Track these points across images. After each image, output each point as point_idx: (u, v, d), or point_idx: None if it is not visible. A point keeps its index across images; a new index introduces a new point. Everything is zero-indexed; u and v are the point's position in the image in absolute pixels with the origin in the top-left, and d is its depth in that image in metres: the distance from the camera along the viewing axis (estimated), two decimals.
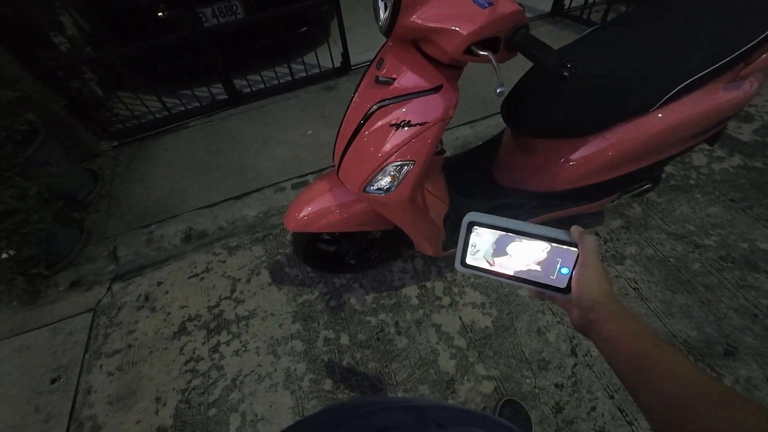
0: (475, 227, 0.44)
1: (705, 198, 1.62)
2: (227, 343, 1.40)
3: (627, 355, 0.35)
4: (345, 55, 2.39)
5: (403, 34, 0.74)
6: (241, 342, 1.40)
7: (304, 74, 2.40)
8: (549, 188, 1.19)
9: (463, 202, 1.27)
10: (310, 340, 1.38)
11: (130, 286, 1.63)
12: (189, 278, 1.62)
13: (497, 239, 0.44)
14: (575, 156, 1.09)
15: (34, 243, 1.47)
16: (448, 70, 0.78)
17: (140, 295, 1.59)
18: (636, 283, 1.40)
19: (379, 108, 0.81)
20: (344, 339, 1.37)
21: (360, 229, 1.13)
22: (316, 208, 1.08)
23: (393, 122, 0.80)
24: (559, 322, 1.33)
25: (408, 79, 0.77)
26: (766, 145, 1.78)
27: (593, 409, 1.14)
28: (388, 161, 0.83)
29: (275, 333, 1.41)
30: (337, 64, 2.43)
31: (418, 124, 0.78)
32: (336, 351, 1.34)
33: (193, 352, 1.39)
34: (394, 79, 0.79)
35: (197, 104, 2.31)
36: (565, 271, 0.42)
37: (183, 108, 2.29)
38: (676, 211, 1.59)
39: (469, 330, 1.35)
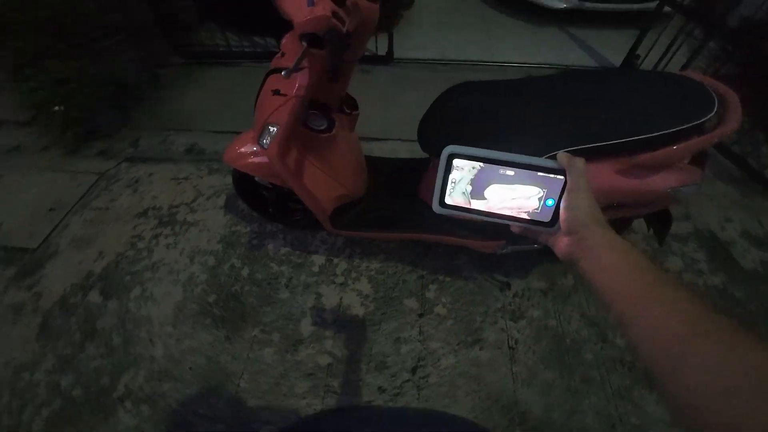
0: (455, 160, 0.41)
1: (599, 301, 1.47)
2: (165, 236, 1.70)
3: (625, 285, 0.33)
4: (390, 46, 2.52)
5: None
6: (175, 240, 1.68)
7: None
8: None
9: (377, 198, 1.37)
10: (220, 261, 1.61)
11: (132, 168, 2.02)
12: (171, 179, 1.96)
13: (477, 172, 0.41)
14: None
15: (80, 109, 1.92)
16: (313, 56, 0.86)
17: (134, 177, 1.97)
18: (516, 342, 1.37)
19: (271, 74, 0.96)
20: (245, 271, 1.57)
21: (268, 180, 1.30)
22: (243, 149, 1.28)
23: (272, 89, 0.94)
24: (420, 341, 1.37)
25: (287, 58, 0.90)
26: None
27: None
28: (266, 120, 0.98)
29: (201, 244, 1.67)
30: (382, 52, 2.57)
31: (284, 94, 0.92)
32: (234, 277, 1.55)
33: (141, 232, 1.71)
34: (284, 54, 0.93)
35: (254, 50, 2.65)
36: (550, 202, 0.40)
37: (242, 49, 2.65)
38: None
39: (340, 309, 1.45)
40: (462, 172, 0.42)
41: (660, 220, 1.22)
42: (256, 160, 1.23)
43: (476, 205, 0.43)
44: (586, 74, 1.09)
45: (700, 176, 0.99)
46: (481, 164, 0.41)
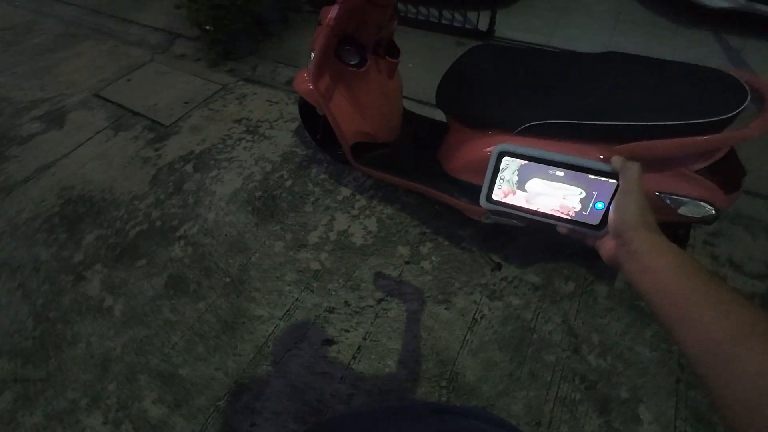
0: (506, 158, 0.41)
1: (652, 341, 1.30)
2: (246, 141, 2.14)
3: (670, 288, 0.32)
4: (492, 23, 2.48)
5: None
6: (252, 145, 2.11)
7: (448, 22, 2.63)
8: (449, 169, 1.30)
9: (401, 148, 1.51)
10: (275, 169, 1.97)
11: (245, 86, 2.53)
12: (267, 101, 2.40)
13: (524, 168, 0.41)
14: (478, 148, 1.14)
15: (224, 32, 2.46)
16: None
17: (243, 93, 2.47)
18: (482, 317, 1.40)
19: (323, 8, 1.16)
20: (288, 183, 1.91)
21: (315, 105, 1.55)
22: (303, 76, 1.54)
23: (318, 20, 1.15)
24: (396, 282, 1.51)
25: None
26: None
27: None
28: (311, 47, 1.20)
29: (267, 153, 2.06)
30: (483, 28, 2.54)
31: (321, 23, 1.11)
32: (278, 184, 1.90)
33: (232, 133, 2.19)
34: None
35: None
36: (600, 205, 0.39)
37: None
38: (604, 320, 1.36)
39: (345, 235, 1.67)
40: (510, 170, 0.42)
41: (676, 235, 1.08)
42: (309, 86, 1.48)
43: (522, 201, 0.43)
44: (613, 56, 0.99)
45: (714, 196, 0.86)
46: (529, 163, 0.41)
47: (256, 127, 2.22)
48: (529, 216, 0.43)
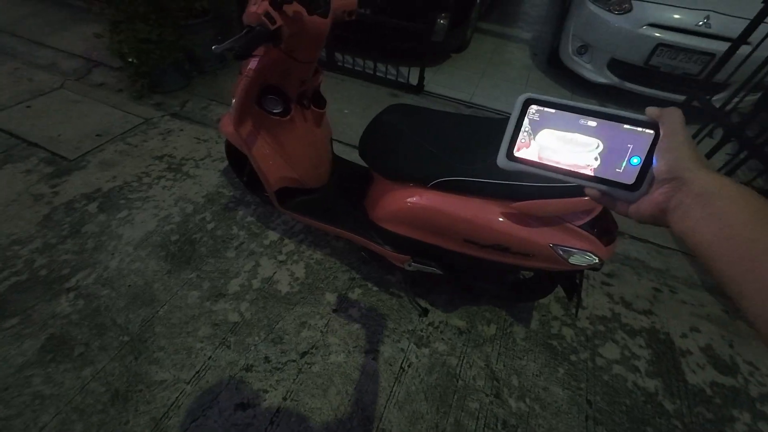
0: (532, 107, 0.37)
1: (564, 378, 1.39)
2: (166, 180, 1.99)
3: (742, 237, 0.27)
4: (420, 79, 2.72)
5: None
6: (172, 184, 1.96)
7: (382, 75, 2.83)
8: (373, 218, 1.32)
9: (327, 193, 1.52)
10: (196, 211, 1.84)
11: (170, 121, 2.39)
12: (194, 138, 2.28)
13: (541, 131, 0.37)
14: (397, 199, 1.18)
15: (150, 66, 2.35)
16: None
17: (168, 128, 2.33)
18: (409, 366, 1.37)
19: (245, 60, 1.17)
20: (210, 225, 1.78)
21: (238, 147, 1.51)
22: (227, 118, 1.51)
23: (240, 69, 1.15)
24: (322, 332, 1.44)
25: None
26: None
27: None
28: (232, 93, 1.19)
29: (189, 194, 1.92)
30: (414, 82, 2.77)
31: (241, 73, 1.12)
32: (199, 227, 1.77)
33: (150, 171, 2.02)
34: None
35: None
36: (635, 161, 0.35)
37: None
38: (522, 361, 1.42)
39: (269, 282, 1.58)
40: (535, 123, 0.38)
41: (572, 286, 1.20)
42: (230, 128, 1.45)
43: (548, 159, 0.38)
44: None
45: (597, 248, 0.98)
46: (558, 111, 0.37)
47: (180, 165, 2.09)
48: (553, 175, 0.37)
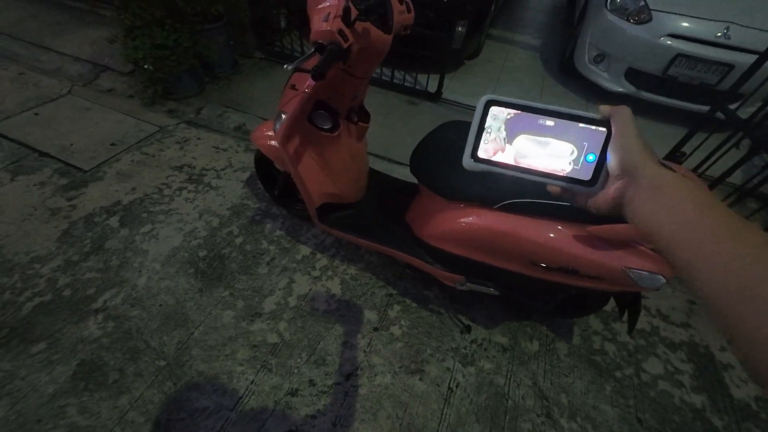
0: (493, 107, 0.39)
1: (611, 396, 1.37)
2: (188, 191, 1.92)
3: (695, 225, 0.28)
4: (440, 86, 2.70)
5: None
6: (195, 196, 1.90)
7: (399, 82, 2.80)
8: (422, 235, 1.28)
9: (368, 209, 1.48)
10: (223, 224, 1.78)
11: (186, 129, 2.32)
12: (213, 147, 2.22)
13: (511, 122, 0.39)
14: (456, 219, 1.15)
15: (165, 72, 2.27)
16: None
17: (185, 137, 2.26)
18: (457, 386, 1.34)
19: (294, 72, 1.12)
20: (239, 240, 1.72)
21: (277, 162, 1.46)
22: (265, 131, 1.46)
23: (292, 83, 1.11)
24: (365, 353, 1.39)
25: (307, 63, 1.06)
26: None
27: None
28: (281, 108, 1.14)
29: (213, 206, 1.86)
30: (432, 89, 2.75)
31: (297, 89, 1.07)
32: (227, 242, 1.71)
33: (171, 182, 1.95)
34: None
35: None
36: (591, 157, 0.37)
37: None
38: (568, 378, 1.40)
39: (306, 299, 1.53)
40: (497, 122, 0.39)
41: (629, 304, 1.18)
42: (271, 142, 1.40)
43: (510, 159, 0.40)
44: None
45: (666, 269, 0.97)
46: (519, 112, 0.38)
47: (201, 175, 2.02)
48: (516, 174, 0.40)
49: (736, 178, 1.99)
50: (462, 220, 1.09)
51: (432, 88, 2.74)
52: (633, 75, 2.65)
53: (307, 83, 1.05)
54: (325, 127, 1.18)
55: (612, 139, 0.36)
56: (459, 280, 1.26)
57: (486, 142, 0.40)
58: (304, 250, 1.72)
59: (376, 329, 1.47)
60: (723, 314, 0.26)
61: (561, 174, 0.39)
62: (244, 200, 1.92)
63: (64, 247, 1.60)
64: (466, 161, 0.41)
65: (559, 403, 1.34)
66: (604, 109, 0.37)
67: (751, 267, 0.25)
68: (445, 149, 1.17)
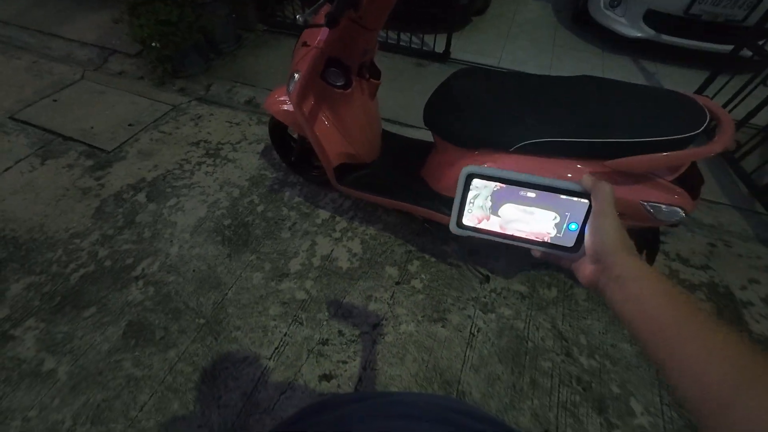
0: (475, 180, 0.40)
1: (627, 335, 1.41)
2: (207, 165, 1.98)
3: (658, 320, 0.30)
4: (447, 45, 2.62)
5: None
6: (213, 169, 1.95)
7: (406, 44, 2.73)
8: (438, 188, 1.31)
9: (384, 167, 1.50)
10: (243, 194, 1.84)
11: (199, 106, 2.35)
12: (226, 121, 2.25)
13: (496, 194, 0.40)
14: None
15: (172, 49, 2.28)
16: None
17: (198, 114, 2.30)
18: (478, 331, 1.41)
19: (305, 29, 1.13)
20: (260, 208, 1.79)
21: (293, 127, 1.48)
22: (278, 97, 1.47)
23: (303, 41, 1.11)
24: (389, 304, 1.46)
25: (318, 18, 1.06)
26: None
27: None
28: (294, 68, 1.15)
29: (232, 178, 1.92)
30: (440, 50, 2.67)
31: (308, 44, 1.08)
32: (249, 210, 1.77)
33: (190, 157, 2.01)
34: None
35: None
36: (573, 227, 0.39)
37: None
38: (587, 321, 1.45)
39: (329, 259, 1.60)
40: (480, 191, 0.40)
41: (647, 244, 1.20)
42: (284, 107, 1.42)
43: (494, 227, 0.41)
44: (587, 79, 1.10)
45: (685, 202, 0.97)
46: (501, 184, 0.40)
47: (217, 149, 2.07)
48: (502, 240, 0.42)
49: (761, 119, 1.91)
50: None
51: (439, 48, 2.67)
52: (652, 17, 2.52)
53: (319, 38, 1.05)
54: (339, 83, 1.19)
55: (590, 219, 0.38)
56: None
57: (470, 211, 0.41)
58: (324, 214, 1.78)
59: (398, 283, 1.53)
60: (689, 406, 0.28)
61: (546, 239, 0.40)
62: (262, 171, 1.96)
63: (99, 223, 1.69)
64: (452, 227, 0.43)
65: (578, 343, 1.39)
66: (586, 181, 0.38)
67: (712, 373, 0.26)
68: (457, 97, 1.17)
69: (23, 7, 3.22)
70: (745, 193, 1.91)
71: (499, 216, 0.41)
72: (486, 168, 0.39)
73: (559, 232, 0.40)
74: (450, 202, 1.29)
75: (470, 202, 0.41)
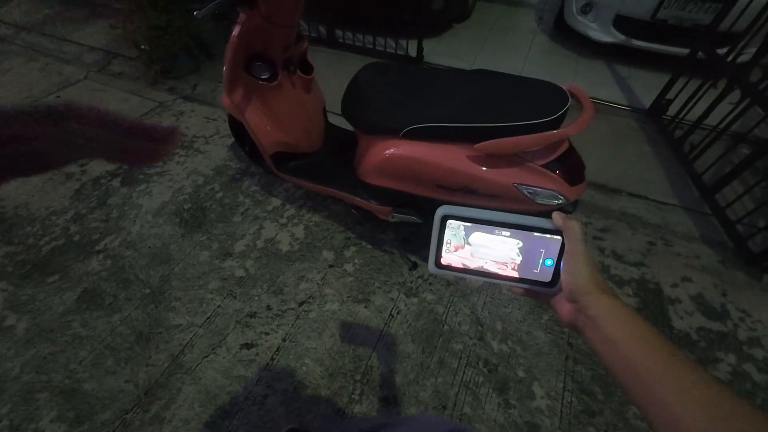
0: (450, 221, 0.41)
1: (547, 324, 1.45)
2: (180, 156, 2.15)
3: (635, 363, 0.31)
4: (419, 50, 2.73)
5: None
6: (186, 160, 2.13)
7: (381, 48, 2.86)
8: (359, 175, 1.41)
9: (321, 157, 1.62)
10: (206, 182, 2.00)
11: (183, 104, 2.56)
12: (204, 117, 2.44)
13: (472, 233, 0.41)
14: (376, 152, 1.26)
15: (162, 51, 2.51)
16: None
17: (180, 110, 2.50)
18: (398, 313, 1.48)
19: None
20: (219, 195, 1.93)
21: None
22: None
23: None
24: (318, 285, 1.56)
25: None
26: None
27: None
28: (224, 62, 1.30)
29: (200, 167, 2.08)
30: (413, 53, 2.78)
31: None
32: (209, 196, 1.92)
33: None
34: None
35: (310, 35, 3.08)
36: (549, 262, 0.40)
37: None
38: (507, 309, 1.49)
39: (271, 243, 1.72)
40: (456, 234, 0.42)
41: None
42: (227, 100, 1.56)
43: (472, 264, 0.43)
44: (481, 73, 1.18)
45: (561, 186, 1.03)
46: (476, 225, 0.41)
47: (191, 142, 2.25)
48: (480, 278, 0.43)
49: (714, 119, 1.89)
50: (378, 152, 1.20)
51: (413, 52, 2.78)
52: (621, 22, 2.54)
53: (232, 33, 1.19)
54: (263, 76, 1.32)
55: (564, 258, 0.39)
56: (388, 212, 1.38)
57: (447, 251, 0.43)
58: (275, 201, 1.90)
59: (331, 266, 1.63)
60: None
61: (523, 276, 0.42)
62: (227, 162, 2.12)
63: (75, 203, 1.89)
64: (431, 268, 0.45)
65: (493, 329, 1.44)
66: (557, 219, 0.39)
67: (688, 419, 0.27)
68: (362, 88, 1.27)
69: (46, 16, 3.59)
70: (697, 194, 1.90)
71: (470, 245, 0.42)
72: (460, 209, 0.41)
73: (535, 267, 0.41)
74: (368, 187, 1.39)
75: (447, 242, 0.42)
